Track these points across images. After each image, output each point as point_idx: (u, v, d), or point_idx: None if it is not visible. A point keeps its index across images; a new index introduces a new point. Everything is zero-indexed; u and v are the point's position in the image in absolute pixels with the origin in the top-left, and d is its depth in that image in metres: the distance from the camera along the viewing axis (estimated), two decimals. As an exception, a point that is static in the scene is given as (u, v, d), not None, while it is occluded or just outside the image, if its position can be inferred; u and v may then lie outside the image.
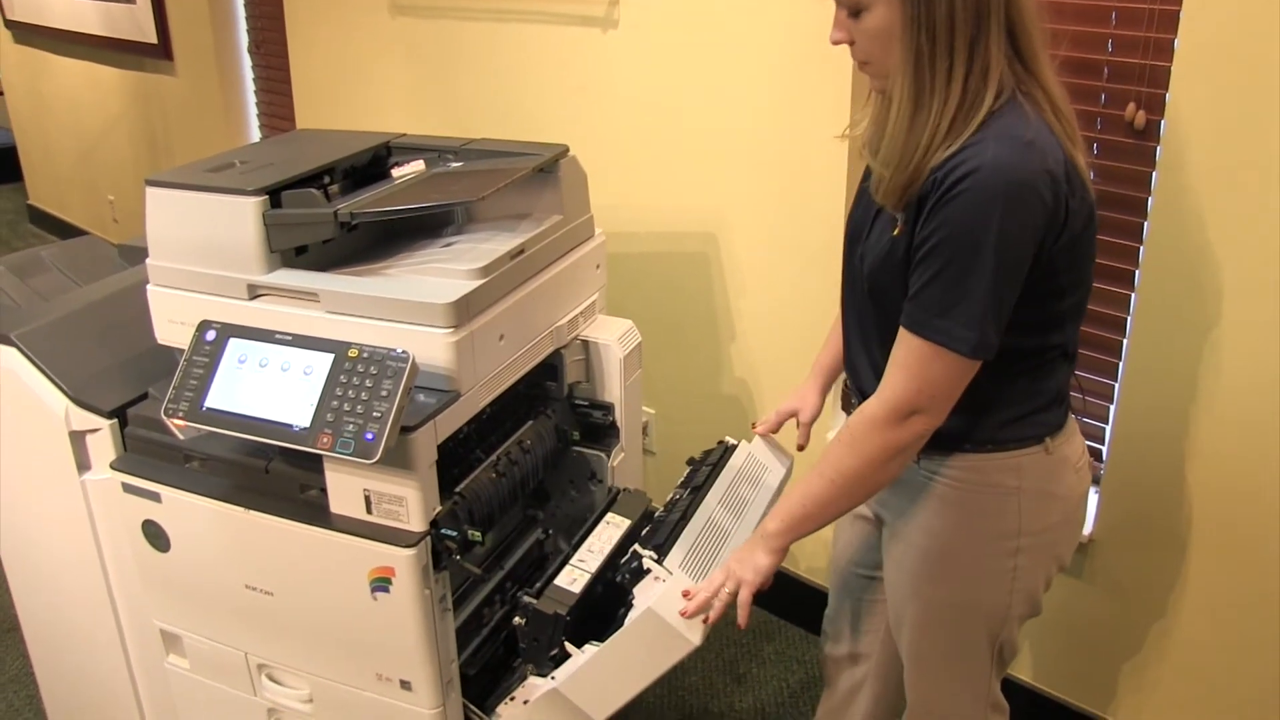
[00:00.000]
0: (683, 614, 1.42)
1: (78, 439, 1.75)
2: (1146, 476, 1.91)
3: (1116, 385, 1.95)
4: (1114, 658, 2.07)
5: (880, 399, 1.33)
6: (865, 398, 1.47)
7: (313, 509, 1.56)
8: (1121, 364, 1.93)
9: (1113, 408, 1.96)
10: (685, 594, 1.44)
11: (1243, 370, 1.74)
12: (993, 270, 1.23)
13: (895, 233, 1.32)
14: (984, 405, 1.36)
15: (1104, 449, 1.99)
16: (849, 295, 1.50)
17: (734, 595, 1.42)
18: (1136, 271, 1.86)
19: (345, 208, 1.57)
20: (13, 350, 1.75)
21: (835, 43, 1.34)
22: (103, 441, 1.75)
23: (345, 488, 1.52)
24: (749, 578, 1.42)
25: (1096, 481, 1.99)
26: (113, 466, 1.72)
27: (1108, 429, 1.98)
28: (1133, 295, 1.88)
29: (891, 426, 1.32)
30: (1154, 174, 1.80)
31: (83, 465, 1.78)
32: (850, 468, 1.36)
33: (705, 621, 1.42)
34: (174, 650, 1.85)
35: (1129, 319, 1.89)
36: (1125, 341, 1.91)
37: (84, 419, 1.73)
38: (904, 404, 1.31)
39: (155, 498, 1.68)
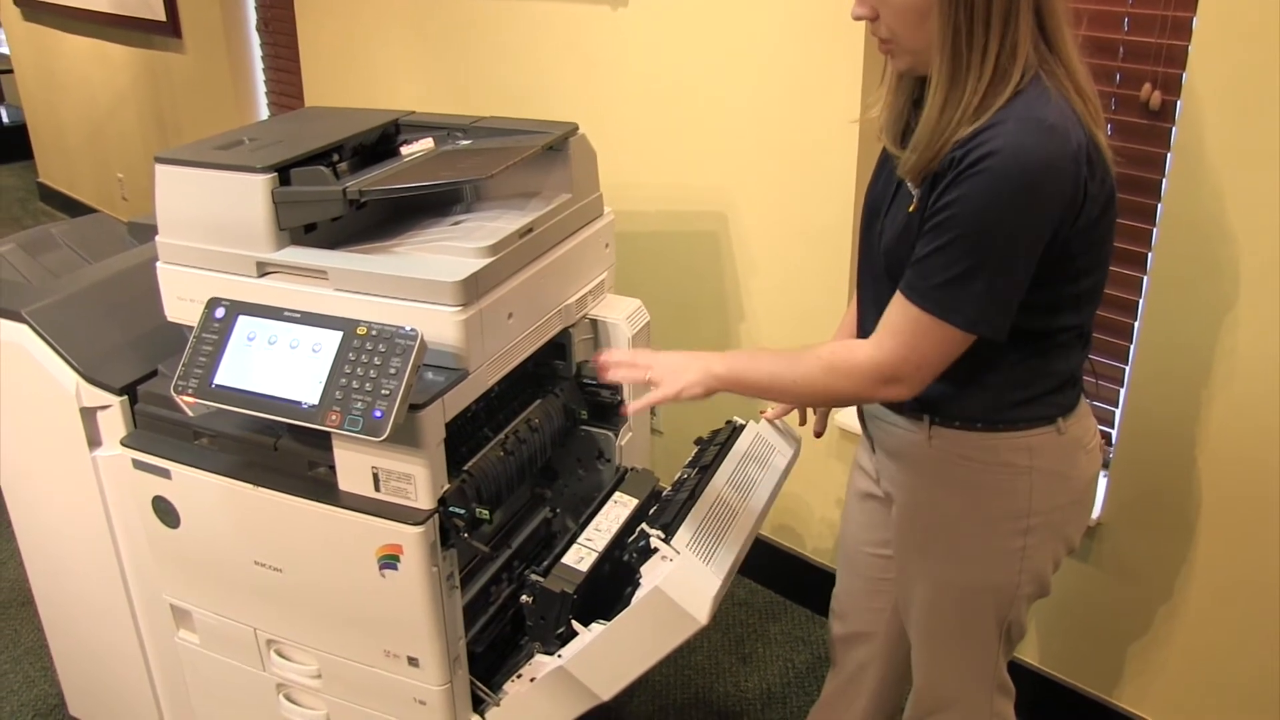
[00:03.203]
0: (600, 369, 1.42)
1: (88, 415, 1.76)
2: (1156, 460, 1.90)
3: (1127, 368, 1.94)
4: (1120, 641, 2.07)
5: (869, 355, 1.32)
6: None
7: (321, 486, 1.57)
8: (1133, 347, 1.92)
9: (1123, 391, 1.95)
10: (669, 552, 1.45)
11: (1254, 354, 1.73)
12: (1002, 251, 1.22)
13: (911, 209, 1.32)
14: (997, 384, 1.36)
15: (1114, 432, 1.98)
16: (865, 270, 1.50)
17: (645, 378, 1.42)
18: (1149, 254, 1.85)
19: (354, 185, 1.56)
20: (24, 327, 1.76)
21: (857, 18, 1.32)
22: (113, 418, 1.75)
23: (354, 465, 1.52)
24: (673, 389, 1.40)
25: (1106, 465, 1.99)
26: (123, 443, 1.73)
27: (1118, 412, 1.97)
28: (1145, 278, 1.87)
29: (871, 384, 1.32)
30: (1169, 156, 1.78)
31: (94, 442, 1.79)
32: (816, 385, 1.36)
33: (609, 373, 1.42)
34: (184, 625, 1.87)
35: (1141, 302, 1.88)
36: (1137, 324, 1.90)
37: (95, 395, 1.74)
38: (891, 369, 1.30)
39: (165, 474, 1.68)
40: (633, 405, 1.42)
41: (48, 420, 1.80)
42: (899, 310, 1.30)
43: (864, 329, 1.53)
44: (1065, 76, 1.26)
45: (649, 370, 1.42)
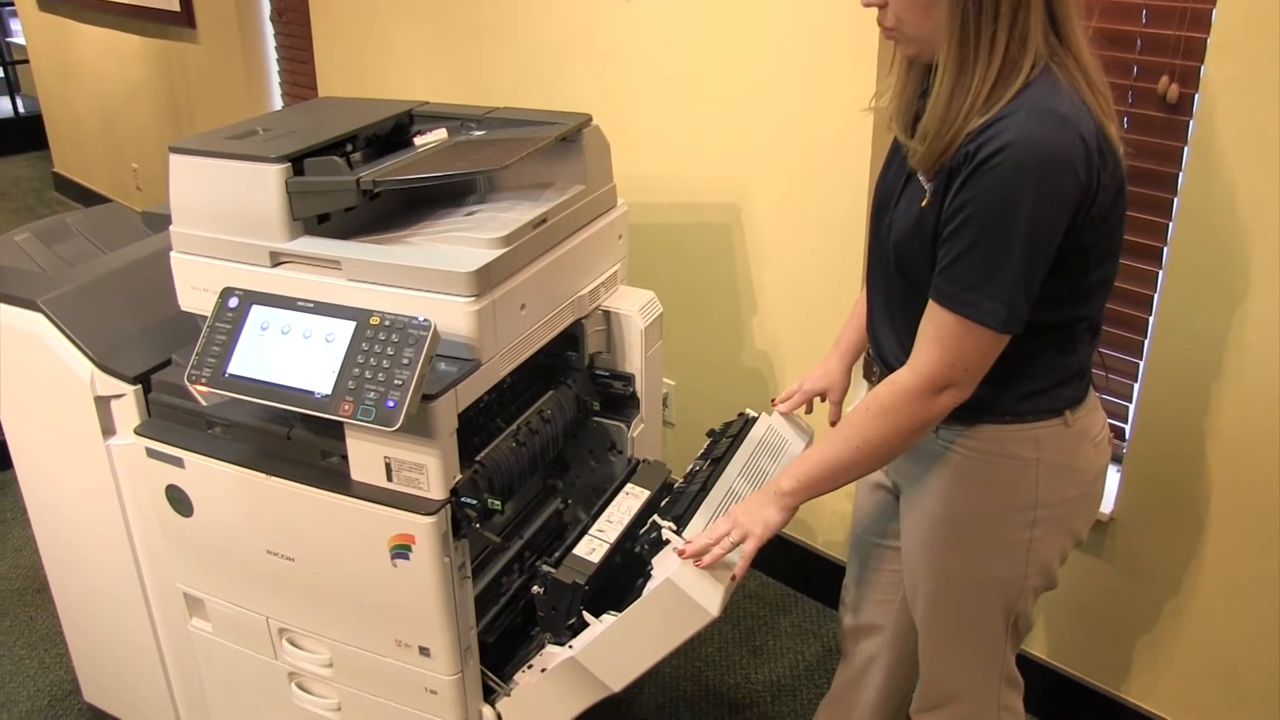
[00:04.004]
0: (680, 554, 1.43)
1: (103, 404, 1.77)
2: (1169, 455, 1.89)
3: (1141, 363, 1.93)
4: (1129, 636, 2.07)
5: (913, 372, 1.33)
6: (887, 366, 1.47)
7: (334, 476, 1.57)
8: (1147, 342, 1.91)
9: (1136, 385, 1.94)
10: (684, 545, 1.45)
11: (1269, 351, 1.72)
12: (1023, 245, 1.22)
13: (924, 204, 1.31)
14: (1006, 377, 1.35)
15: (1127, 427, 1.97)
16: (874, 263, 1.49)
17: (735, 545, 1.43)
18: (1165, 248, 1.84)
19: (367, 175, 1.56)
20: (40, 316, 1.77)
21: (867, 4, 1.32)
22: (127, 407, 1.76)
23: (366, 455, 1.53)
24: (757, 531, 1.43)
25: (1118, 460, 1.98)
26: (137, 432, 1.74)
27: (1131, 407, 1.96)
28: (1160, 272, 1.86)
29: (924, 400, 1.32)
30: (1185, 150, 1.77)
31: (108, 430, 1.80)
32: (877, 437, 1.36)
33: (698, 564, 1.42)
34: (197, 613, 1.88)
35: (1155, 296, 1.87)
36: (1151, 319, 1.89)
37: (109, 384, 1.75)
38: (938, 378, 1.31)
39: (178, 463, 1.69)
40: (739, 568, 1.44)
41: (62, 409, 1.80)
42: (935, 319, 1.30)
43: (871, 319, 1.54)
44: (1075, 68, 1.26)
45: (730, 533, 1.43)
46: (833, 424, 1.73)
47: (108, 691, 2.24)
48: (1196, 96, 1.72)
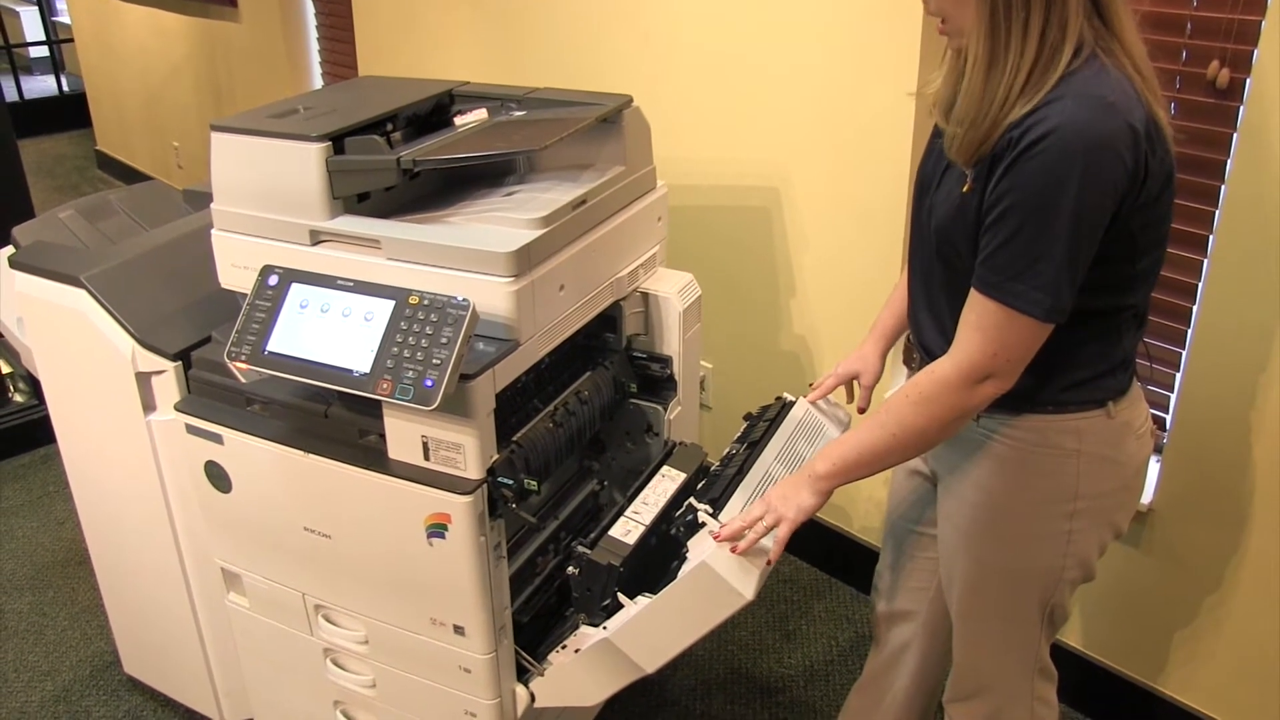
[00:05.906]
0: (715, 537, 1.43)
1: (143, 380, 1.79)
2: (1211, 447, 1.87)
3: (1184, 353, 1.90)
4: (1167, 629, 2.04)
5: (954, 361, 1.31)
6: (927, 353, 1.45)
7: (371, 454, 1.58)
8: (1190, 331, 1.88)
9: (1179, 376, 1.92)
10: (720, 528, 1.45)
11: (1319, 339, 1.69)
12: (1069, 233, 1.20)
13: (965, 189, 1.30)
14: (1050, 366, 1.34)
15: (1168, 418, 1.95)
16: (915, 249, 1.48)
17: (769, 529, 1.43)
18: (1210, 237, 1.81)
19: (408, 155, 1.56)
20: (82, 292, 1.79)
21: None
22: (167, 383, 1.78)
23: (404, 434, 1.53)
24: (791, 515, 1.42)
25: (1159, 451, 1.95)
26: (177, 408, 1.76)
27: (1173, 397, 1.94)
28: (1205, 261, 1.83)
29: (964, 389, 1.31)
30: (1234, 136, 1.74)
31: (148, 406, 1.82)
32: (915, 425, 1.35)
33: (734, 550, 1.42)
34: (234, 588, 1.90)
35: (1200, 286, 1.84)
36: (1195, 309, 1.86)
37: (150, 360, 1.77)
38: (979, 368, 1.29)
39: (217, 439, 1.71)
40: (774, 552, 1.44)
41: (104, 384, 1.83)
42: (977, 307, 1.29)
43: (912, 305, 1.52)
44: (1122, 53, 1.24)
45: (765, 517, 1.43)
46: (861, 410, 1.72)
47: (147, 664, 2.27)
48: (1248, 81, 1.69)
